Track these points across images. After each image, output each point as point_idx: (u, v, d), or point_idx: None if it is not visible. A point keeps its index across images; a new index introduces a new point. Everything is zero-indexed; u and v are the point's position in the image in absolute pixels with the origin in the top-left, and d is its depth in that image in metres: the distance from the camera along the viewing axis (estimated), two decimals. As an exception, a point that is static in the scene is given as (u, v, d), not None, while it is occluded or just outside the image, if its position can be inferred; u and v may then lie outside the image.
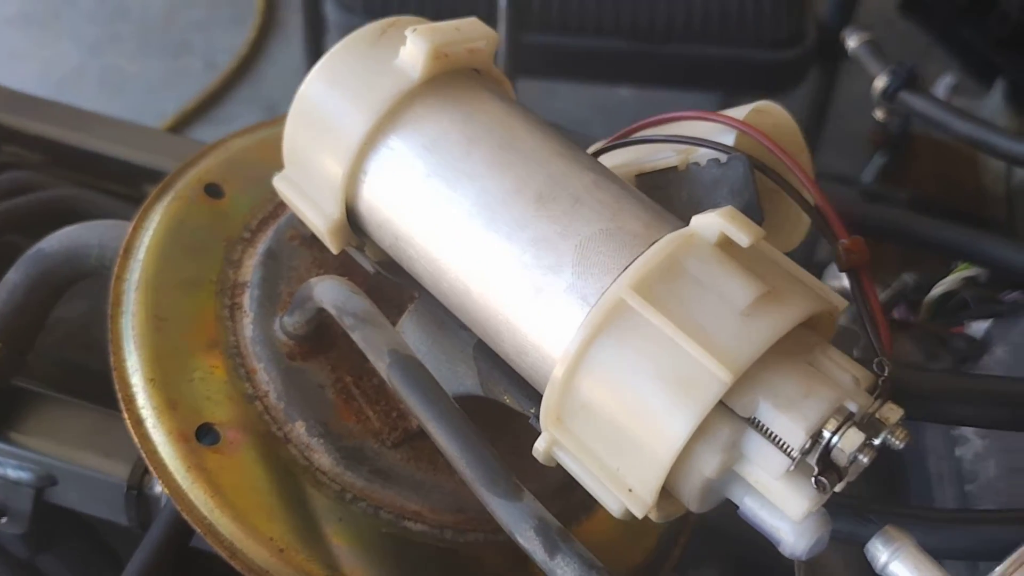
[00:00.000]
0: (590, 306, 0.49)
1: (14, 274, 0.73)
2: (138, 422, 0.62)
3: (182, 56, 2.66)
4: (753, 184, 0.58)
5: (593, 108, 2.55)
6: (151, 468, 0.60)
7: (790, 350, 0.47)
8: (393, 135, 0.58)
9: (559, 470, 0.53)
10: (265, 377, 0.65)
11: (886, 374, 0.48)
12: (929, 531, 0.52)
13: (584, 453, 0.49)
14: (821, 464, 0.45)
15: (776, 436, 0.45)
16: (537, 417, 0.54)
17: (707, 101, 2.43)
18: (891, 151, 1.77)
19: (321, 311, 0.63)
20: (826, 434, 0.45)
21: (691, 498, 0.48)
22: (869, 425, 0.46)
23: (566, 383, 0.49)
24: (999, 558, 0.46)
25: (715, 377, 0.45)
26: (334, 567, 0.61)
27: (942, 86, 1.80)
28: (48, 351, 0.87)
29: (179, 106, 2.48)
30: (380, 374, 0.57)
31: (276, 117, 0.80)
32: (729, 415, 0.46)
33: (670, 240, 0.49)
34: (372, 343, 0.58)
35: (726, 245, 0.49)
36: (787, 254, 0.53)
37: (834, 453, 0.45)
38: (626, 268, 0.49)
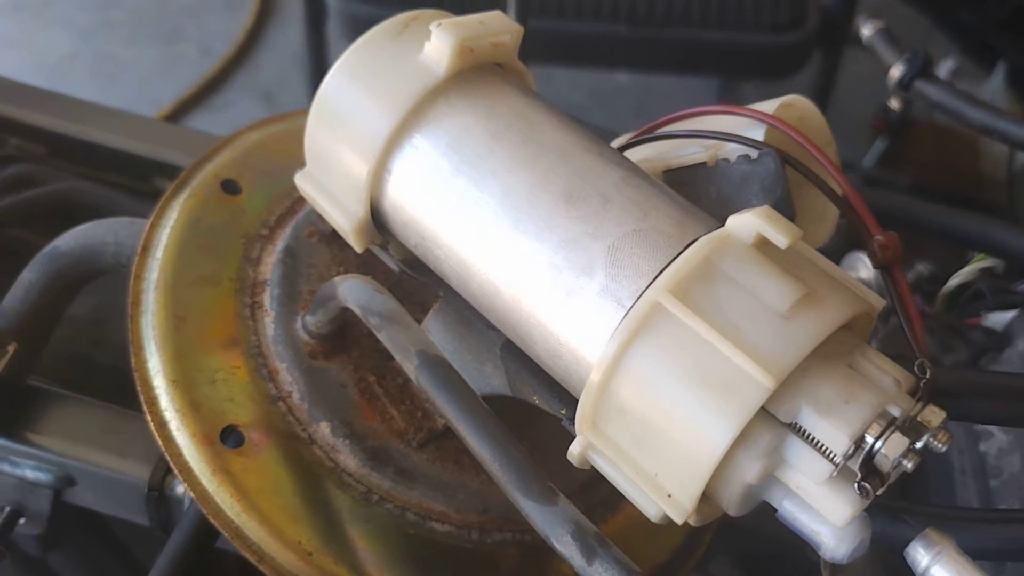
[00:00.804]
0: (625, 309, 0.49)
1: (29, 273, 0.72)
2: (161, 424, 0.61)
3: (176, 43, 2.63)
4: (785, 180, 0.57)
5: (591, 94, 2.54)
6: (176, 472, 0.60)
7: (830, 353, 0.47)
8: (417, 133, 0.57)
9: (582, 468, 0.52)
10: (288, 377, 0.65)
11: (928, 376, 0.48)
12: (960, 531, 0.52)
13: (621, 458, 0.49)
14: (864, 469, 0.44)
15: (819, 442, 0.45)
16: (569, 419, 0.53)
17: (707, 86, 2.42)
18: (892, 136, 1.76)
19: (345, 310, 0.62)
20: (869, 439, 0.44)
21: (731, 503, 0.47)
22: (911, 429, 0.45)
23: (602, 388, 0.48)
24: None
25: (757, 383, 0.44)
26: (361, 570, 0.60)
27: (943, 70, 1.80)
28: (59, 347, 0.86)
29: (174, 93, 2.46)
30: (406, 374, 0.56)
31: (291, 111, 0.79)
32: (770, 421, 0.46)
33: (706, 242, 0.49)
34: (399, 343, 0.57)
35: (763, 246, 0.48)
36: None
37: (877, 458, 0.44)
38: (661, 271, 0.48)
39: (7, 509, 0.74)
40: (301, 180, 0.63)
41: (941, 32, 2.10)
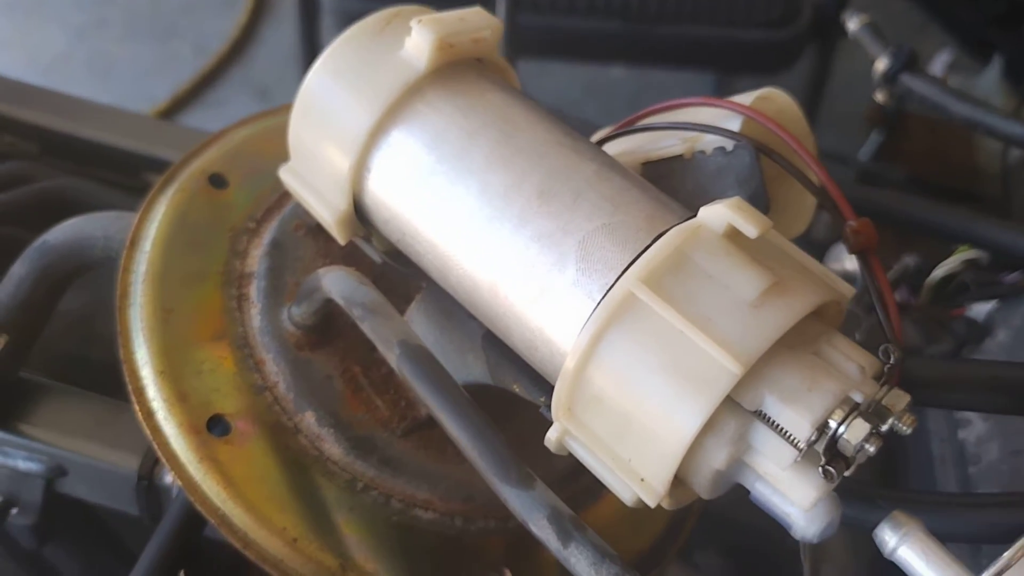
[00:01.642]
0: (595, 302, 0.50)
1: (19, 267, 0.73)
2: (149, 414, 0.62)
3: (170, 40, 2.64)
4: (759, 173, 0.58)
5: (586, 88, 2.55)
6: (163, 460, 0.61)
7: (795, 341, 0.47)
8: (396, 129, 0.58)
9: (565, 457, 0.53)
10: (274, 368, 0.66)
11: (892, 361, 0.49)
12: (934, 515, 0.53)
13: (596, 444, 0.50)
14: (828, 454, 0.45)
15: (783, 428, 0.46)
16: (547, 407, 0.54)
17: (701, 81, 2.43)
18: (886, 130, 1.77)
19: (329, 302, 0.63)
20: (832, 424, 0.45)
21: (702, 487, 0.49)
22: (875, 413, 0.46)
23: (577, 375, 0.49)
24: (1005, 542, 0.47)
25: (725, 369, 0.45)
26: (346, 556, 0.61)
27: (938, 63, 1.80)
28: (49, 341, 0.87)
29: (169, 91, 2.47)
30: (389, 364, 0.57)
31: (278, 107, 0.79)
32: (736, 408, 0.47)
33: (678, 232, 0.50)
34: (381, 334, 0.58)
35: (734, 236, 0.49)
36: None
37: (840, 443, 0.45)
38: (630, 263, 0.49)
39: (-1, 499, 0.75)
40: (285, 174, 0.64)
41: (937, 25, 2.11)
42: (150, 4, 2.73)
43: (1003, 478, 0.71)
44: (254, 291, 0.68)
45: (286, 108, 0.64)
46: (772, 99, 0.63)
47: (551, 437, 0.52)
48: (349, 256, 0.70)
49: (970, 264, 0.91)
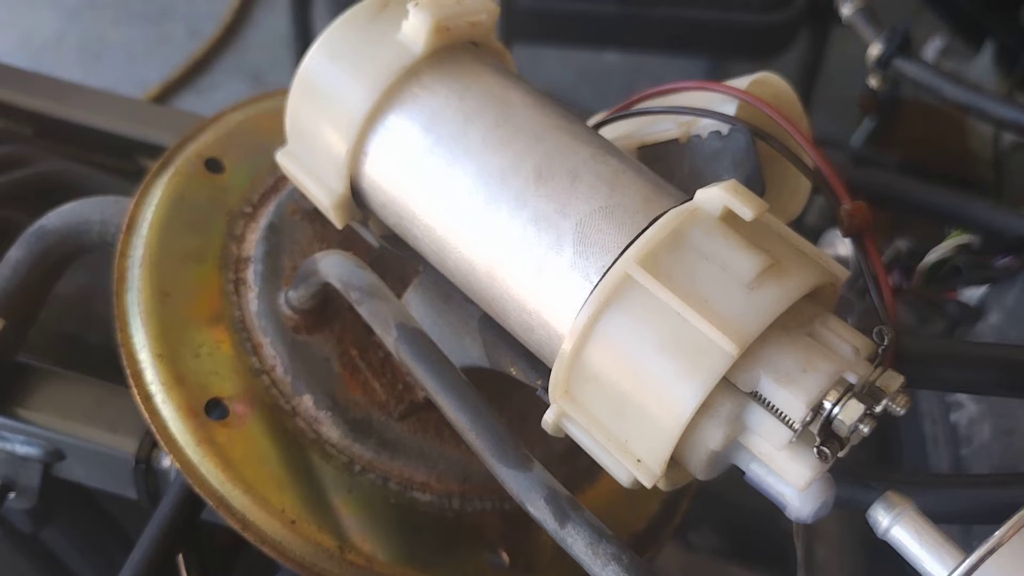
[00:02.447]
0: (592, 284, 0.50)
1: (16, 251, 0.73)
2: (147, 397, 0.63)
3: (164, 23, 2.63)
4: (755, 156, 0.58)
5: (580, 73, 2.54)
6: (161, 443, 0.61)
7: (791, 322, 0.48)
8: (393, 113, 0.58)
9: (561, 439, 0.54)
10: (271, 351, 0.66)
11: (886, 343, 0.49)
12: (926, 495, 0.54)
13: (593, 424, 0.50)
14: (823, 434, 0.46)
15: (778, 409, 0.46)
16: (545, 389, 0.55)
17: (695, 66, 2.42)
18: (880, 115, 1.77)
19: (326, 285, 0.63)
20: (827, 405, 0.46)
21: (698, 468, 0.49)
22: (869, 394, 0.46)
23: (574, 357, 0.49)
24: (996, 521, 0.47)
25: (721, 350, 0.45)
26: (344, 537, 0.62)
27: (932, 48, 1.80)
28: (46, 325, 0.87)
29: (162, 74, 2.45)
30: (386, 347, 0.58)
31: (274, 90, 0.80)
32: (731, 389, 0.47)
33: (675, 215, 0.50)
34: (379, 316, 0.58)
35: (730, 218, 0.50)
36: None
37: (835, 424, 0.46)
38: (627, 245, 0.50)
39: (-3, 483, 0.75)
40: (282, 158, 0.64)
41: (930, 10, 2.11)
42: (144, -14, 2.72)
43: (994, 457, 0.71)
44: (251, 275, 0.69)
45: (281, 92, 0.64)
46: (768, 83, 0.64)
47: (548, 419, 0.52)
48: (346, 240, 0.70)
49: (962, 248, 0.91)
